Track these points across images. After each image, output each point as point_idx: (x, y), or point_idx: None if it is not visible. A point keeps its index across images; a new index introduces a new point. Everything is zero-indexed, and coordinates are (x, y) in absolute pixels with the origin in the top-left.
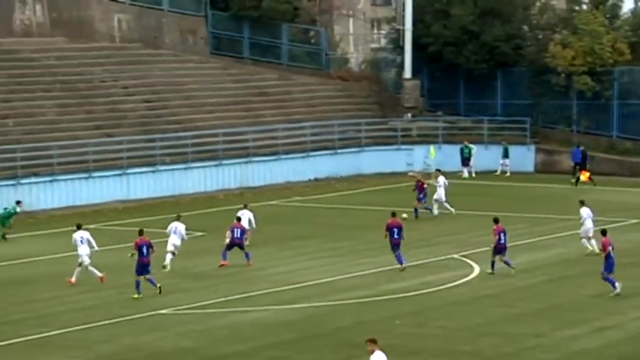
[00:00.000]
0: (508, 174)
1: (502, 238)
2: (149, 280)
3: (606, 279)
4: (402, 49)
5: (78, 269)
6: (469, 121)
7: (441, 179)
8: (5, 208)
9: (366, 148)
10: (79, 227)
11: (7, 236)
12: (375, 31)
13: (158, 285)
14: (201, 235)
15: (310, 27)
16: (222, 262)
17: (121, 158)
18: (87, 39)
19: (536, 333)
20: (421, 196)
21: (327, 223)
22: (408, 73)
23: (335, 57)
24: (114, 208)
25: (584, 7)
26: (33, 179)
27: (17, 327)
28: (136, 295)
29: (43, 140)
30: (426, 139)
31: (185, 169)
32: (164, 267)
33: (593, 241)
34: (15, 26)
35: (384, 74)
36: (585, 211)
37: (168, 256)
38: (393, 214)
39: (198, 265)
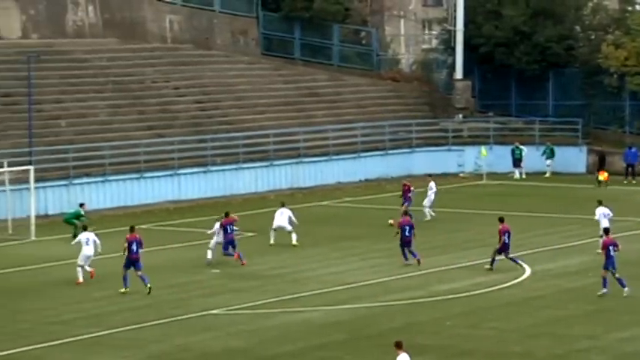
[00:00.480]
0: (548, 174)
1: (506, 238)
2: (140, 277)
3: (604, 278)
4: (453, 49)
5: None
6: (520, 122)
7: (433, 184)
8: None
9: (417, 149)
10: (84, 229)
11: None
12: (427, 32)
13: (148, 285)
14: (252, 236)
15: (361, 28)
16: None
17: (173, 159)
18: (139, 40)
19: (587, 335)
20: (406, 202)
21: (377, 223)
22: (459, 73)
23: (386, 58)
24: (165, 209)
25: (637, 7)
26: (85, 179)
27: (69, 327)
28: (123, 290)
29: (95, 141)
30: (477, 139)
31: (236, 169)
32: (208, 263)
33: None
34: (68, 27)
35: (435, 75)
36: (601, 211)
37: (209, 252)
38: (405, 213)
39: (249, 265)
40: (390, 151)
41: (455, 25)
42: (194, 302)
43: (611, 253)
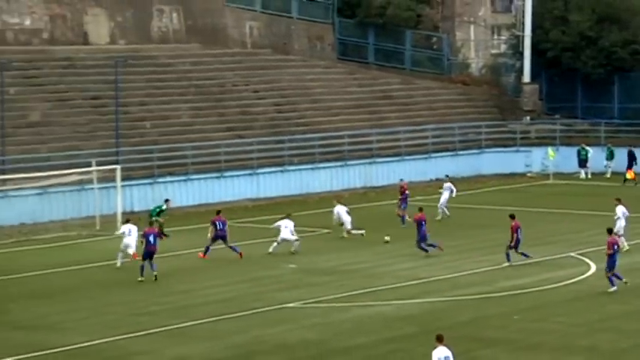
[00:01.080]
0: (608, 175)
1: (518, 233)
2: (150, 264)
3: (609, 278)
4: (521, 54)
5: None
6: (586, 123)
7: (451, 185)
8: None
9: (486, 150)
10: (127, 221)
11: (164, 232)
12: (496, 37)
13: (154, 273)
14: (328, 232)
15: (433, 33)
16: (201, 255)
17: (252, 159)
18: (220, 45)
19: None
20: (404, 204)
21: (447, 221)
22: (527, 77)
23: (456, 62)
24: (244, 206)
25: None
26: (168, 178)
27: (155, 318)
28: (140, 278)
29: (178, 141)
30: (544, 141)
31: (312, 169)
32: (291, 251)
33: (623, 239)
34: (153, 33)
35: (503, 79)
36: (621, 210)
37: (275, 245)
38: (420, 209)
39: (324, 261)
40: (460, 152)
41: (523, 31)
42: (271, 296)
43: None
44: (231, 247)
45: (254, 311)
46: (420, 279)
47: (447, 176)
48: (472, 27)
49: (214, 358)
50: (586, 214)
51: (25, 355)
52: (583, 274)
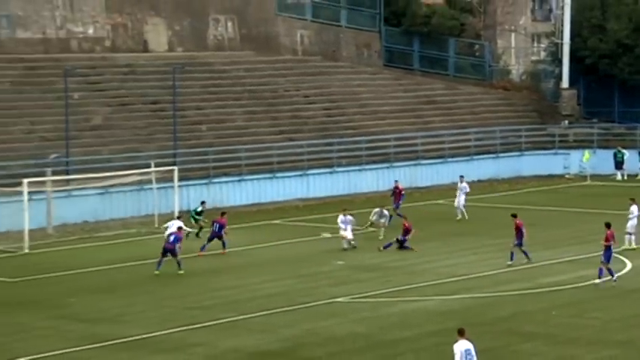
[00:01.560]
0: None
1: (522, 231)
2: (177, 261)
3: (608, 270)
4: (560, 61)
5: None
6: (622, 127)
7: (463, 185)
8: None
9: (526, 153)
10: (179, 217)
11: (200, 234)
12: (535, 45)
13: (181, 271)
14: (373, 231)
15: (475, 41)
16: (200, 253)
17: (302, 160)
18: (272, 52)
19: None
20: (399, 202)
21: (488, 220)
22: (565, 83)
23: (497, 68)
24: (295, 206)
25: None
26: (223, 179)
27: (209, 311)
28: (156, 272)
29: (232, 144)
30: (581, 144)
31: (359, 170)
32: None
33: (633, 237)
34: (209, 41)
35: (543, 84)
36: (635, 208)
37: (345, 242)
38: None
39: (370, 258)
40: (501, 154)
41: (562, 39)
42: (321, 291)
43: (612, 247)
44: (223, 243)
45: (304, 306)
46: (460, 276)
47: (462, 177)
48: (513, 35)
49: (266, 349)
50: (621, 214)
51: (88, 346)
52: (619, 271)
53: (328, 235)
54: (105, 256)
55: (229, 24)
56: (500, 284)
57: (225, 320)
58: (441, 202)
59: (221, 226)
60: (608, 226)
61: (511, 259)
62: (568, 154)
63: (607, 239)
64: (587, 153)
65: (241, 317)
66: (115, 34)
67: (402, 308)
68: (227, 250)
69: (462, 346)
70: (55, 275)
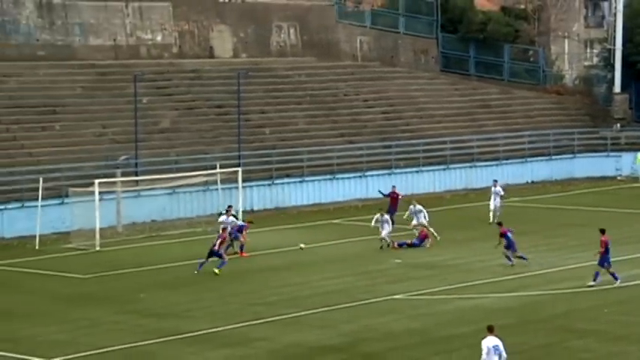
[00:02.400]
0: None
1: (510, 237)
2: (222, 262)
3: (612, 274)
4: (612, 66)
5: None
6: None
7: (498, 189)
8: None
9: (579, 155)
10: (229, 211)
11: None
12: (588, 51)
13: (218, 271)
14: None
15: (529, 47)
16: (242, 254)
17: (361, 162)
18: (333, 58)
19: None
20: (395, 208)
21: (542, 221)
22: (617, 87)
23: (551, 74)
24: (354, 206)
25: None
26: (285, 180)
27: (272, 307)
28: (196, 272)
29: (294, 146)
30: (633, 147)
31: (417, 172)
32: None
33: None
34: (272, 47)
35: (595, 89)
36: None
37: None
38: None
39: (427, 256)
40: (554, 157)
41: (614, 44)
42: (379, 288)
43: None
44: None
45: (363, 302)
46: (515, 274)
47: (496, 181)
48: (566, 41)
49: (326, 344)
50: None
51: (156, 340)
52: None
53: (303, 246)
54: (172, 253)
55: (292, 31)
56: (553, 282)
57: (287, 316)
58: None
59: (240, 228)
60: (602, 232)
61: (509, 261)
62: (620, 156)
63: (603, 245)
64: (639, 156)
65: (303, 313)
66: (182, 40)
67: (458, 305)
68: (246, 254)
69: (490, 342)
70: (124, 272)
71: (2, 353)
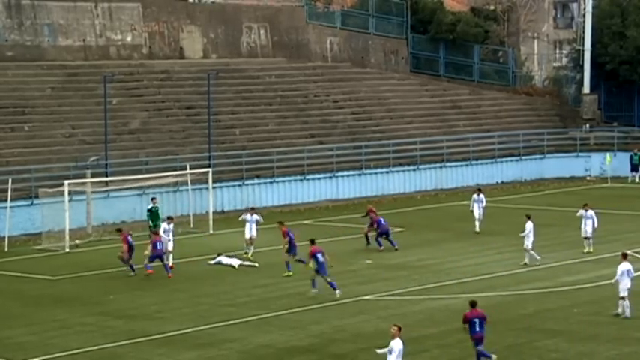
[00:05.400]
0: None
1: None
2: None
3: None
4: (581, 67)
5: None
6: None
7: (482, 197)
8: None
9: (548, 155)
10: (251, 209)
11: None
12: (557, 51)
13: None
14: (400, 231)
15: (499, 48)
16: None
17: (332, 163)
18: (303, 59)
19: None
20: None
21: (512, 221)
22: (586, 88)
23: (521, 74)
24: (325, 207)
25: None
26: (256, 181)
27: (242, 308)
28: (285, 274)
29: (264, 147)
30: (602, 147)
31: (387, 172)
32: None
33: None
34: (242, 48)
35: (564, 90)
36: None
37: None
38: (312, 241)
39: (397, 257)
40: (524, 157)
41: (583, 45)
42: (349, 289)
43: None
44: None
45: (332, 303)
46: (485, 274)
47: (480, 190)
48: (536, 42)
49: (296, 345)
50: (638, 215)
51: (126, 342)
52: (638, 270)
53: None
54: (142, 255)
55: (262, 32)
56: (522, 283)
57: (257, 317)
58: (465, 203)
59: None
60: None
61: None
62: (589, 157)
63: None
64: (608, 156)
65: (273, 314)
66: (152, 41)
67: (428, 306)
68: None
69: (624, 266)
70: (94, 273)
71: None
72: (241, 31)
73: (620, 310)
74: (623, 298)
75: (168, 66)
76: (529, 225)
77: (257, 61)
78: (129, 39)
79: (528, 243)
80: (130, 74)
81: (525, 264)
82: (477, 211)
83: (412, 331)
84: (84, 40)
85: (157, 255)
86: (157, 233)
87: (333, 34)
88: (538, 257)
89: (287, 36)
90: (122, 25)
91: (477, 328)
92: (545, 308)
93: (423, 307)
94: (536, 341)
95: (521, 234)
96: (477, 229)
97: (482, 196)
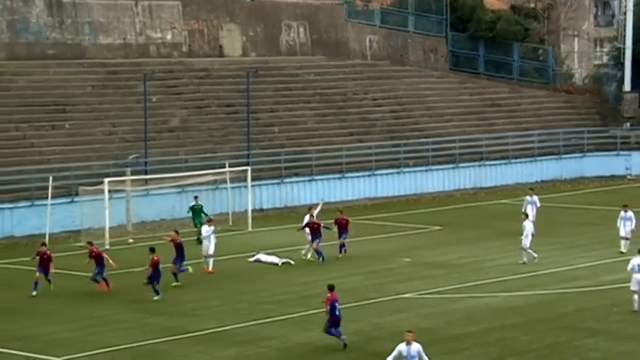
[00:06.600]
0: None
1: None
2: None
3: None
4: (622, 65)
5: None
6: None
7: (535, 198)
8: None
9: (588, 154)
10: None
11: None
12: (598, 49)
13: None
14: (439, 230)
15: (539, 46)
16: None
17: (370, 161)
18: (342, 57)
19: None
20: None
21: (551, 220)
22: (627, 86)
23: (561, 72)
24: (363, 205)
25: None
26: (294, 179)
27: (280, 306)
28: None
29: (303, 145)
30: None
31: (426, 171)
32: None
33: None
34: (281, 46)
35: (605, 88)
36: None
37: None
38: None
39: (436, 255)
40: (564, 156)
41: (624, 43)
42: (388, 287)
43: None
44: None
45: (372, 301)
46: (524, 273)
47: (532, 189)
48: (576, 40)
49: (335, 343)
50: None
51: (165, 339)
52: None
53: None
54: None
55: (301, 30)
56: (562, 282)
57: (296, 315)
58: (504, 201)
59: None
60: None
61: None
62: (630, 155)
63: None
64: None
65: (311, 312)
66: (191, 39)
67: (468, 304)
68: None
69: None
70: (133, 270)
71: (12, 352)
72: (280, 29)
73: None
74: (635, 292)
75: (208, 64)
76: (527, 224)
77: (296, 59)
78: (169, 37)
79: (526, 242)
80: (170, 72)
81: (524, 263)
82: (531, 214)
83: (452, 330)
84: (124, 39)
85: (156, 277)
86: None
87: (372, 32)
88: (535, 255)
89: (326, 34)
90: (162, 24)
91: (337, 312)
92: (585, 307)
93: (463, 306)
94: (575, 340)
95: (522, 236)
96: (533, 230)
97: (535, 197)
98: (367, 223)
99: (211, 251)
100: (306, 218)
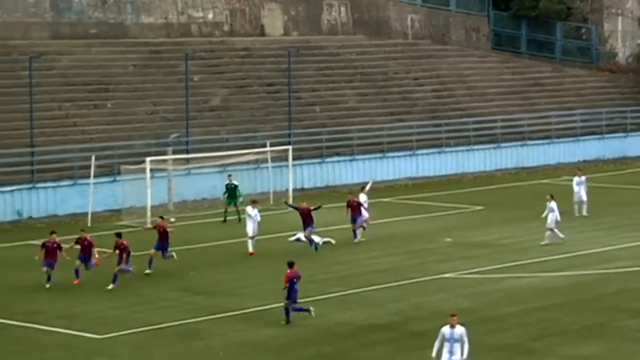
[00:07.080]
0: None
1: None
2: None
3: None
4: None
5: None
6: None
7: (584, 178)
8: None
9: (631, 134)
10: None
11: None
12: None
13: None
14: (480, 210)
15: (582, 25)
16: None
17: (411, 141)
18: (384, 36)
19: None
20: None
21: (594, 200)
22: None
23: (604, 51)
24: (404, 185)
25: None
26: (335, 158)
27: (321, 285)
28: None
29: (344, 124)
30: None
31: (467, 150)
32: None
33: None
34: (323, 25)
35: None
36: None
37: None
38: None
39: (477, 235)
40: (607, 135)
41: None
42: (429, 267)
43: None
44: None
45: (412, 281)
46: (566, 253)
47: (580, 170)
48: (620, 18)
49: (376, 323)
50: None
51: (206, 317)
52: None
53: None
54: (221, 232)
55: (342, 9)
56: (605, 262)
57: (336, 294)
58: (546, 181)
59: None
60: None
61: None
62: None
63: None
64: None
65: (352, 291)
66: (233, 18)
67: (508, 284)
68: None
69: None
70: (175, 249)
71: (58, 329)
72: (322, 8)
73: None
74: None
75: (249, 43)
76: (553, 205)
77: (337, 38)
78: (210, 16)
79: (551, 222)
80: (211, 52)
81: (547, 244)
82: (577, 195)
83: (492, 310)
84: (166, 18)
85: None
86: (120, 236)
87: (413, 11)
88: (561, 235)
89: (367, 13)
90: (204, 3)
91: (296, 287)
92: (628, 288)
93: (504, 286)
94: (618, 321)
95: (544, 215)
96: (585, 212)
97: (583, 177)
98: (408, 203)
99: (252, 232)
100: (362, 197)
